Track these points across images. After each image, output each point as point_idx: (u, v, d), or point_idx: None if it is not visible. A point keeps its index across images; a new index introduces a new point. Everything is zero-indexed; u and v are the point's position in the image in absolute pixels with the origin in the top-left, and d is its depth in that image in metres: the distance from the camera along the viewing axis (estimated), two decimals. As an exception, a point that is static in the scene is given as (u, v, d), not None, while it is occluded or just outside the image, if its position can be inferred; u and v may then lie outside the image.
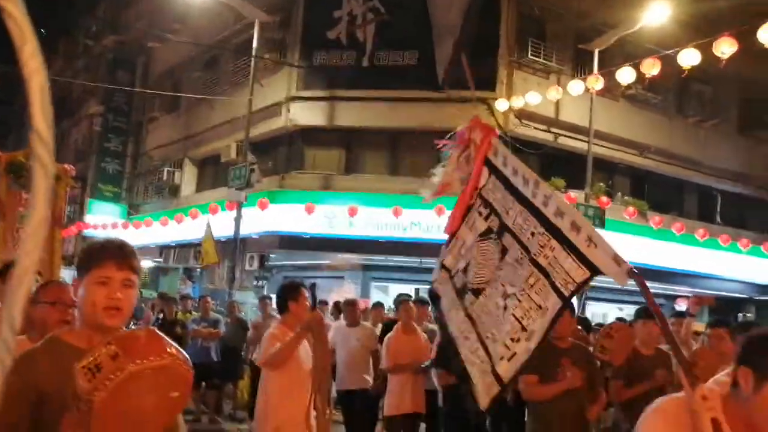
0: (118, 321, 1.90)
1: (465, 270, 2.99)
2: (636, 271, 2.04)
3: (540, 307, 2.42)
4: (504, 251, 2.76)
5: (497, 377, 2.50)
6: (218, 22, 17.67)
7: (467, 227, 3.07)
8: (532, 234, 2.59)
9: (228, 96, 17.26)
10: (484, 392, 2.56)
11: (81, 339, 1.87)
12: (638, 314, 5.16)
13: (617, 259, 2.13)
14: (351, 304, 7.37)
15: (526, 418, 4.81)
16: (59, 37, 30.52)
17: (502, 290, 2.71)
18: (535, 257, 2.53)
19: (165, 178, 20.42)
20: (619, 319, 7.43)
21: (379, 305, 9.17)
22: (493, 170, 2.95)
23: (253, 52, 15.16)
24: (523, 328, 2.46)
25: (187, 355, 1.86)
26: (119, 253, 1.92)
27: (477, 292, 2.86)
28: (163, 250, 19.94)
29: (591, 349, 4.97)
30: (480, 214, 3.00)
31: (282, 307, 4.43)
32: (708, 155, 17.70)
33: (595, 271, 2.28)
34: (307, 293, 4.43)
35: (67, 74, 27.73)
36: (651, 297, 2.05)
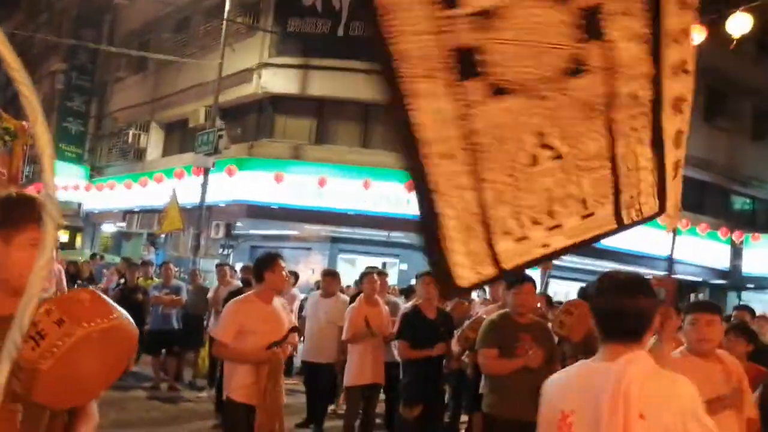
0: (49, 285, 1.79)
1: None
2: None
3: (584, 203, 1.74)
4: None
5: (494, 256, 1.70)
6: (189, -18, 17.19)
7: None
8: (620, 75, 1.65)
9: (198, 59, 16.87)
10: (467, 264, 1.68)
11: None
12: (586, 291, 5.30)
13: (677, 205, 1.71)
14: (330, 274, 7.28)
15: (481, 390, 4.91)
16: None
17: (536, 124, 1.66)
18: (612, 127, 1.67)
19: (130, 140, 19.95)
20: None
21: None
22: None
23: (225, 15, 14.80)
24: (550, 214, 1.73)
25: (129, 315, 1.81)
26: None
27: (501, 91, 1.58)
28: (127, 214, 19.58)
29: (549, 325, 5.06)
30: None
31: (258, 278, 4.40)
32: (673, 141, 18.04)
33: (661, 210, 1.68)
34: (283, 264, 4.42)
35: (28, 28, 26.68)
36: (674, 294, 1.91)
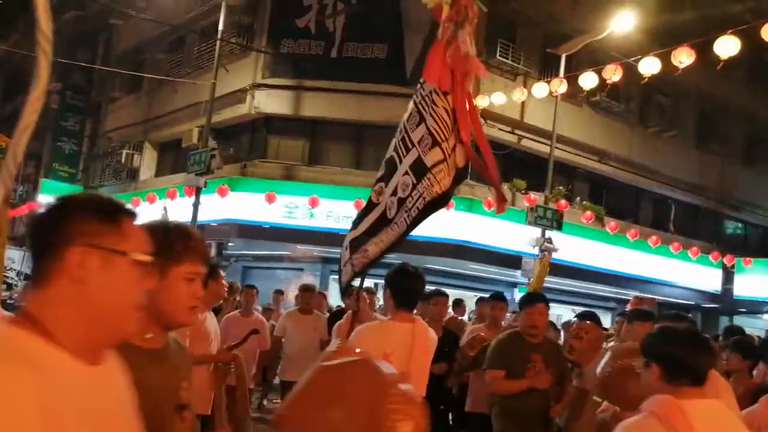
0: (193, 320, 1.75)
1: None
2: None
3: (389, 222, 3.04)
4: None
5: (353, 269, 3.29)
6: (184, 2, 17.27)
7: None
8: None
9: (192, 79, 16.91)
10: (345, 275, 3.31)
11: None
12: (582, 316, 5.25)
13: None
14: (307, 289, 6.97)
15: (468, 408, 5.27)
16: (17, 9, 29.37)
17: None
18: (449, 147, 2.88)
19: (123, 160, 19.87)
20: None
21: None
22: None
23: (219, 35, 14.87)
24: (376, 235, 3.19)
25: None
26: (204, 246, 1.74)
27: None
28: (118, 233, 19.44)
29: None
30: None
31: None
32: (665, 165, 18.16)
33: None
34: (223, 273, 4.51)
35: (23, 48, 26.70)
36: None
